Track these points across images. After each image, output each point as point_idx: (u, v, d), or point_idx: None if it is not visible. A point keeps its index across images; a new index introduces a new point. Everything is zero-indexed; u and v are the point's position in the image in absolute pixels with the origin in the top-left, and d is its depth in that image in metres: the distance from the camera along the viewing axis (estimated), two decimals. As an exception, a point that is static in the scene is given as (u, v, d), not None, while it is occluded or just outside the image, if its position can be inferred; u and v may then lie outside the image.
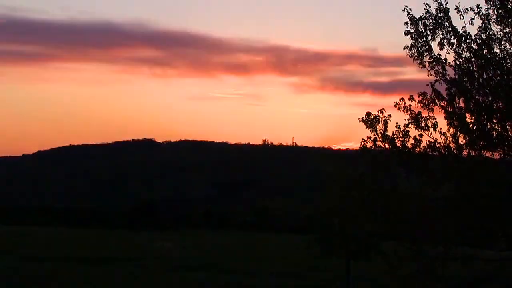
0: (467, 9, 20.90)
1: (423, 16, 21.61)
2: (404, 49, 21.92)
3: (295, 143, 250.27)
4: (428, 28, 21.54)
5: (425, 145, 21.79)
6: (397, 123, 22.32)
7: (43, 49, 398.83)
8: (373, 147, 22.70)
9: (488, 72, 20.54)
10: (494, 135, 20.56)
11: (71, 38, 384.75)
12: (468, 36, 20.80)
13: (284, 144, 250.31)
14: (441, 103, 21.42)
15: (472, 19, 20.84)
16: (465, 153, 21.22)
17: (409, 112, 22.02)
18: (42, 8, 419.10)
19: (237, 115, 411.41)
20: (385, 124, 22.58)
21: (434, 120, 21.67)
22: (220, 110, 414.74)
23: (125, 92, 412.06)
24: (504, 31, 20.45)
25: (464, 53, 20.90)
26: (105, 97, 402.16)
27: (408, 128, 22.10)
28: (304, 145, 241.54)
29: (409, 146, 22.09)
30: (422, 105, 21.81)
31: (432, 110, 21.67)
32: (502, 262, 22.34)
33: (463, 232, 22.12)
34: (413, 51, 21.76)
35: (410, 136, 22.12)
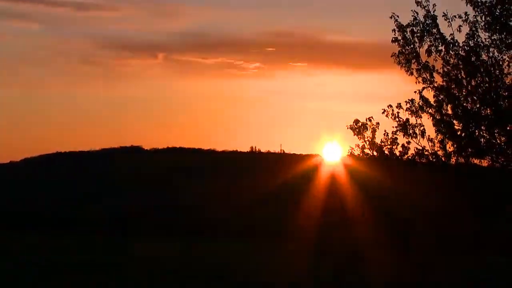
0: (455, 16, 20.94)
1: (410, 23, 21.59)
2: (391, 56, 21.91)
3: (283, 150, 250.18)
4: (415, 35, 21.51)
5: (413, 152, 21.75)
6: (385, 130, 22.27)
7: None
8: (361, 155, 22.64)
9: (476, 79, 20.53)
10: (482, 142, 20.53)
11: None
12: (456, 43, 20.82)
13: (272, 151, 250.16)
14: (429, 110, 21.37)
15: (460, 26, 20.88)
16: (453, 160, 21.17)
17: (397, 119, 21.95)
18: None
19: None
20: (373, 131, 22.52)
21: (422, 127, 21.62)
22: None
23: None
24: (492, 38, 20.47)
25: (452, 60, 20.90)
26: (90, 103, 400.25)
27: (396, 136, 22.04)
28: (292, 152, 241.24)
29: (397, 153, 22.04)
30: (410, 112, 21.75)
31: (420, 117, 21.63)
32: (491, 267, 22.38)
33: (452, 238, 22.08)
34: (401, 58, 21.73)
35: (398, 144, 22.06)
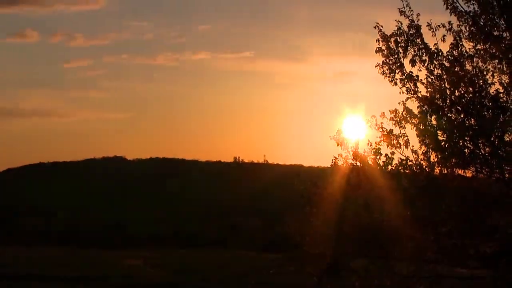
0: (439, 25, 20.87)
1: (394, 33, 21.50)
2: (375, 66, 21.82)
3: (267, 160, 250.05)
4: (399, 45, 21.42)
5: (397, 162, 21.66)
6: (368, 140, 22.18)
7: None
8: (344, 165, 22.56)
9: (460, 89, 20.47)
10: (467, 152, 20.43)
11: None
12: (440, 53, 20.75)
13: (256, 161, 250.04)
14: (413, 121, 21.27)
15: (444, 35, 20.81)
16: (437, 170, 21.09)
17: (380, 130, 21.86)
18: None
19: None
20: (357, 141, 22.45)
21: (406, 138, 21.53)
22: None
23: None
24: (476, 47, 20.41)
25: (436, 70, 20.82)
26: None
27: (379, 146, 21.96)
28: (275, 163, 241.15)
29: (381, 163, 21.94)
30: (394, 122, 21.66)
31: (404, 127, 21.53)
32: (475, 280, 22.25)
33: (435, 250, 21.94)
34: (385, 69, 21.64)
35: (381, 154, 21.97)
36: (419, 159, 21.28)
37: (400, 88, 21.37)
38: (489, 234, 20.97)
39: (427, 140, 20.97)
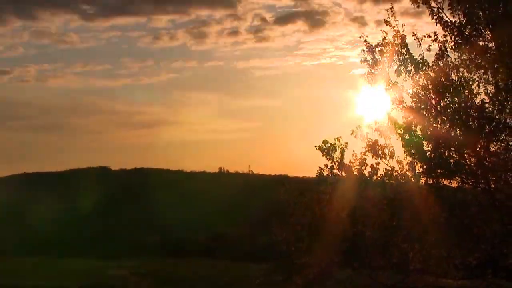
0: (424, 36, 20.85)
1: (380, 43, 21.48)
2: (361, 76, 21.82)
3: (252, 170, 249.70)
4: (385, 55, 21.39)
5: (383, 173, 21.62)
6: (353, 151, 22.15)
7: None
8: (330, 175, 22.50)
9: (445, 99, 20.43)
10: (452, 163, 20.40)
11: None
12: (426, 63, 20.73)
13: (240, 171, 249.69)
14: (398, 131, 21.23)
15: (430, 46, 20.79)
16: (422, 181, 21.05)
17: (366, 140, 21.83)
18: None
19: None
20: (342, 152, 22.39)
21: (391, 148, 21.50)
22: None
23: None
24: (462, 58, 20.39)
25: (421, 80, 20.79)
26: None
27: (365, 156, 21.92)
28: (260, 173, 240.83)
29: (367, 174, 21.90)
30: (379, 132, 21.63)
31: (390, 138, 21.50)
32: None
33: (421, 260, 21.89)
34: (370, 79, 21.61)
35: (367, 164, 21.93)
36: (404, 170, 21.25)
37: (386, 98, 21.37)
38: (475, 244, 20.95)
39: (412, 151, 20.93)
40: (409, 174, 21.19)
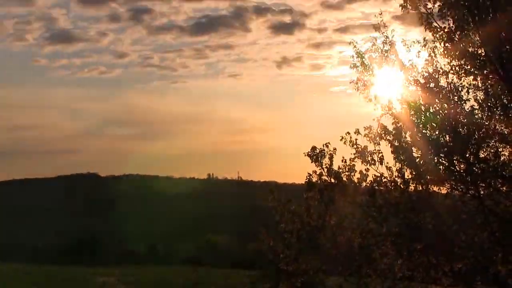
0: (413, 41, 20.76)
1: (369, 49, 21.38)
2: (350, 82, 21.70)
3: (240, 177, 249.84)
4: (374, 61, 21.30)
5: (372, 179, 21.52)
6: (343, 157, 22.04)
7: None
8: (319, 182, 22.39)
9: (435, 105, 20.34)
10: (442, 169, 20.30)
11: None
12: (415, 69, 20.63)
13: (229, 178, 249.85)
14: (388, 137, 21.13)
15: (419, 51, 20.70)
16: (412, 187, 20.95)
17: (355, 146, 21.72)
18: None
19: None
20: (331, 158, 22.29)
21: (380, 154, 21.40)
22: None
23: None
24: (451, 64, 20.29)
25: (410, 87, 20.70)
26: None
27: (354, 163, 21.83)
28: (249, 179, 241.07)
29: (356, 180, 21.81)
30: (368, 139, 21.53)
31: (379, 144, 21.40)
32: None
33: (409, 267, 21.78)
34: (359, 85, 21.50)
35: (356, 171, 21.84)
36: (394, 176, 21.15)
37: (375, 104, 21.25)
38: (465, 251, 20.85)
39: (402, 157, 20.84)
40: (399, 180, 21.07)
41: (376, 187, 21.46)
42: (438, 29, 20.26)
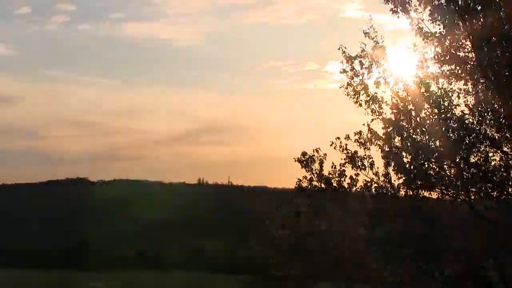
0: (404, 47, 20.70)
1: (359, 55, 21.29)
2: (340, 87, 21.58)
3: (231, 182, 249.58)
4: (364, 66, 21.20)
5: (362, 184, 21.42)
6: (332, 163, 21.95)
7: None
8: (309, 187, 22.29)
9: (425, 110, 20.28)
10: (432, 174, 20.23)
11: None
12: (405, 75, 20.57)
13: (220, 183, 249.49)
14: (378, 142, 21.06)
15: (409, 57, 20.63)
16: (402, 192, 20.87)
17: (345, 151, 21.63)
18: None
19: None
20: (321, 163, 22.20)
21: (370, 159, 21.32)
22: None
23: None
24: (442, 69, 20.24)
25: (401, 92, 20.62)
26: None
27: (344, 168, 21.73)
28: (239, 184, 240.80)
29: (346, 185, 21.72)
30: (358, 144, 21.45)
31: (369, 149, 21.32)
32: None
33: (400, 273, 21.74)
34: (349, 90, 21.38)
35: (346, 176, 21.74)
36: (384, 181, 21.08)
37: (365, 109, 21.15)
38: (455, 257, 20.82)
39: (392, 162, 20.77)
40: (388, 186, 21.00)
41: (367, 193, 21.39)
42: (429, 34, 20.20)
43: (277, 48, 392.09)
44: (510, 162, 20.67)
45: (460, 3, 19.38)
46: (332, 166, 21.94)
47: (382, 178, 21.07)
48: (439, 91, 20.24)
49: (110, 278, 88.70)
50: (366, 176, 21.32)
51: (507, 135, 20.13)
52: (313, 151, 22.26)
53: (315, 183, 22.21)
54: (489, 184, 20.18)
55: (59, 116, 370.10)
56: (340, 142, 21.65)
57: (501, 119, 19.77)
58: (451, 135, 20.04)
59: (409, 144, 20.50)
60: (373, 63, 21.08)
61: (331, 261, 22.75)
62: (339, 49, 21.50)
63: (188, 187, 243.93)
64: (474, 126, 20.14)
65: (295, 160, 22.44)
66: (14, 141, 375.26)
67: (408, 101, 20.55)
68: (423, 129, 20.28)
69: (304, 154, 22.30)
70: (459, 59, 19.77)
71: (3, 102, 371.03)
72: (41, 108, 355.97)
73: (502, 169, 20.54)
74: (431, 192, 20.66)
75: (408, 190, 20.71)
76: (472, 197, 20.42)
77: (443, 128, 20.03)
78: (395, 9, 20.53)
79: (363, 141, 21.37)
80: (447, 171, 20.29)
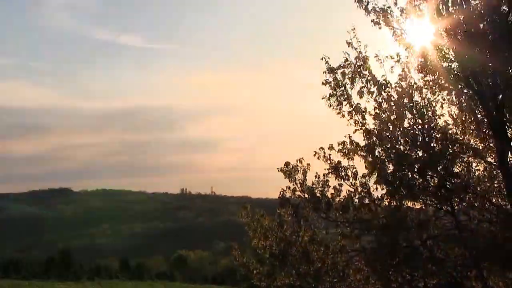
0: (386, 57, 20.63)
1: (341, 65, 21.22)
2: (322, 99, 21.47)
3: (214, 192, 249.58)
4: (347, 76, 21.13)
5: (345, 195, 21.37)
6: (316, 173, 21.86)
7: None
8: (293, 197, 22.21)
9: (408, 120, 20.27)
10: (415, 184, 20.22)
11: None
12: (388, 84, 20.52)
13: (203, 193, 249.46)
14: (361, 153, 21.01)
15: (392, 67, 20.58)
16: (386, 202, 20.83)
17: (328, 162, 21.56)
18: None
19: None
20: (304, 173, 22.11)
21: (354, 170, 21.26)
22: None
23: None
24: (425, 79, 20.23)
25: (384, 102, 20.57)
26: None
27: (328, 178, 21.66)
28: (223, 194, 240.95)
29: (329, 196, 21.65)
30: (342, 154, 21.38)
31: (352, 159, 21.26)
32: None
33: (383, 283, 21.67)
34: (332, 101, 21.29)
35: (330, 186, 21.67)
36: (366, 191, 21.04)
37: (348, 120, 21.08)
38: (439, 267, 20.78)
39: (375, 172, 20.73)
40: (373, 195, 20.97)
41: (350, 203, 21.35)
42: (411, 45, 20.17)
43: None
44: (493, 172, 20.71)
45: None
46: (315, 176, 21.84)
47: (358, 188, 21.06)
48: (423, 101, 20.26)
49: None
50: (350, 186, 21.27)
51: (491, 145, 20.17)
52: (297, 161, 22.17)
53: (298, 193, 22.12)
54: (472, 195, 20.22)
55: None
56: (324, 152, 21.58)
57: (485, 129, 19.79)
58: (434, 145, 20.05)
59: (391, 154, 20.47)
60: (356, 73, 21.00)
61: (314, 272, 22.61)
62: (322, 59, 21.41)
63: (170, 197, 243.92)
64: (458, 136, 20.16)
65: (278, 170, 22.36)
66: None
67: (391, 111, 20.51)
68: (407, 139, 20.26)
69: (287, 164, 22.22)
70: (443, 68, 19.77)
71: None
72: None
73: (486, 180, 20.60)
74: (415, 203, 20.67)
75: (391, 200, 20.69)
76: (456, 207, 20.43)
77: (427, 138, 20.03)
78: (377, 20, 20.50)
79: (346, 151, 21.30)
80: (431, 182, 20.28)
